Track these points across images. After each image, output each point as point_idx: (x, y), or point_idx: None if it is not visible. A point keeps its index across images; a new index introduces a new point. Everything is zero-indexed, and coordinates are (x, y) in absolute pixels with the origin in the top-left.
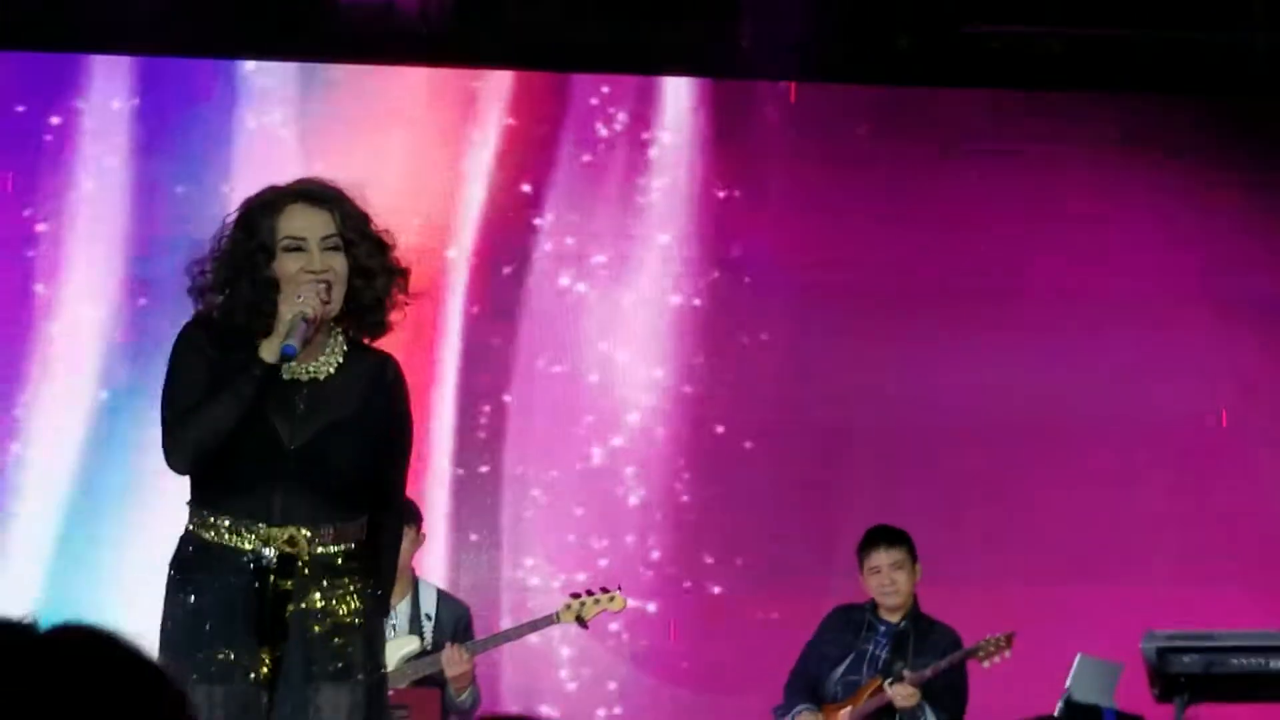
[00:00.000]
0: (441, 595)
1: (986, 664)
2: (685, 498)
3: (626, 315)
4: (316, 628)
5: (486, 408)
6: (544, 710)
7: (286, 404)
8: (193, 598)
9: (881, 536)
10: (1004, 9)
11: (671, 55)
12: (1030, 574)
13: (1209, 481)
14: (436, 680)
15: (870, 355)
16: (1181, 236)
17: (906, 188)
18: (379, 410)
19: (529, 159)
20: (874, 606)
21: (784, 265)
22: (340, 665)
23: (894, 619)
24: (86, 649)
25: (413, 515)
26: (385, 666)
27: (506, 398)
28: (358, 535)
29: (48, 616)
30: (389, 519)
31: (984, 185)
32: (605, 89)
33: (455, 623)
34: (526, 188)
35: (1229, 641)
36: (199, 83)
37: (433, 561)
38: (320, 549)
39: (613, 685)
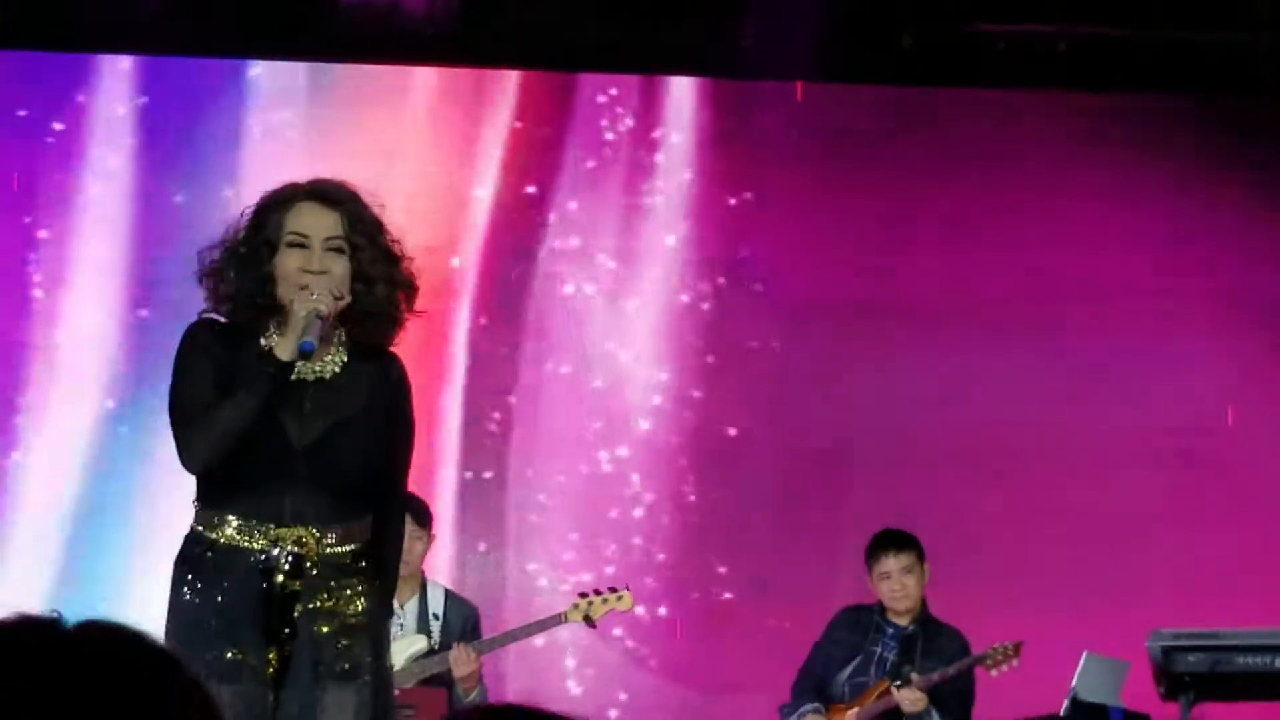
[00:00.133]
0: (449, 595)
1: (994, 672)
2: (692, 499)
3: (633, 319)
4: (324, 628)
5: (493, 411)
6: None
7: (294, 404)
8: (200, 597)
9: (890, 541)
10: (1009, 8)
11: (677, 55)
12: (1036, 572)
13: (1215, 479)
14: (443, 680)
15: (877, 358)
16: (1185, 235)
17: (912, 188)
18: (384, 409)
19: (534, 161)
20: (882, 608)
21: (791, 267)
22: (347, 665)
23: (903, 622)
24: (112, 646)
25: (424, 517)
26: (391, 666)
27: (512, 399)
28: (364, 535)
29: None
30: (392, 516)
31: (988, 185)
32: (612, 91)
33: (463, 623)
34: (531, 189)
35: (1234, 640)
36: (203, 83)
37: (439, 564)
38: (328, 549)
39: (619, 686)
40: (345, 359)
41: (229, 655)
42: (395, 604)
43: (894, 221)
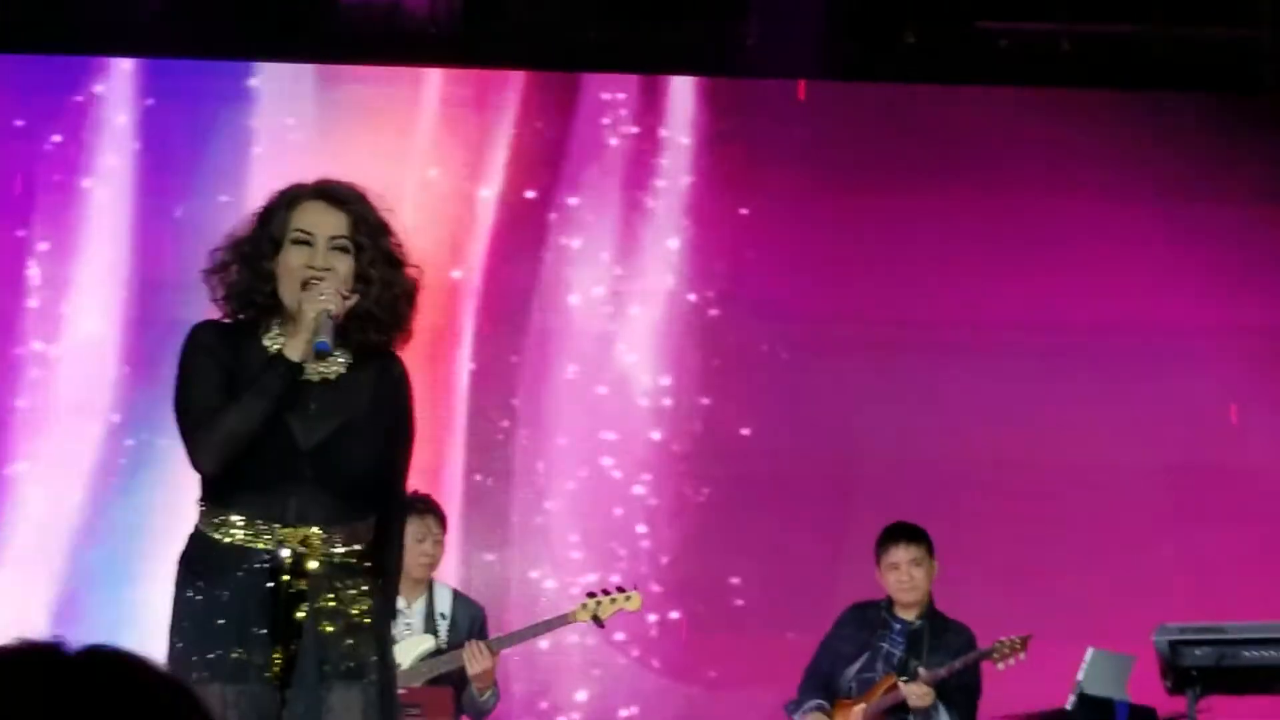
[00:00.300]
0: (456, 595)
1: (1001, 666)
2: (697, 501)
3: (636, 322)
4: (329, 627)
5: (499, 414)
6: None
7: (299, 404)
8: (205, 597)
9: (901, 533)
10: (1011, 7)
11: (679, 54)
12: (1041, 568)
13: (1220, 476)
14: (451, 679)
15: (882, 361)
16: (1188, 233)
17: (914, 187)
18: (387, 409)
19: (536, 164)
20: (889, 604)
21: (794, 268)
22: (352, 665)
23: (909, 616)
24: (114, 671)
25: (439, 519)
26: (395, 665)
27: (517, 402)
28: (368, 535)
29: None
30: (393, 517)
31: (991, 184)
32: (615, 93)
33: (470, 623)
34: (533, 192)
35: (1240, 634)
36: (204, 86)
37: (446, 566)
38: (333, 549)
39: (626, 686)
40: (349, 360)
41: (234, 655)
42: (402, 603)
43: (897, 220)
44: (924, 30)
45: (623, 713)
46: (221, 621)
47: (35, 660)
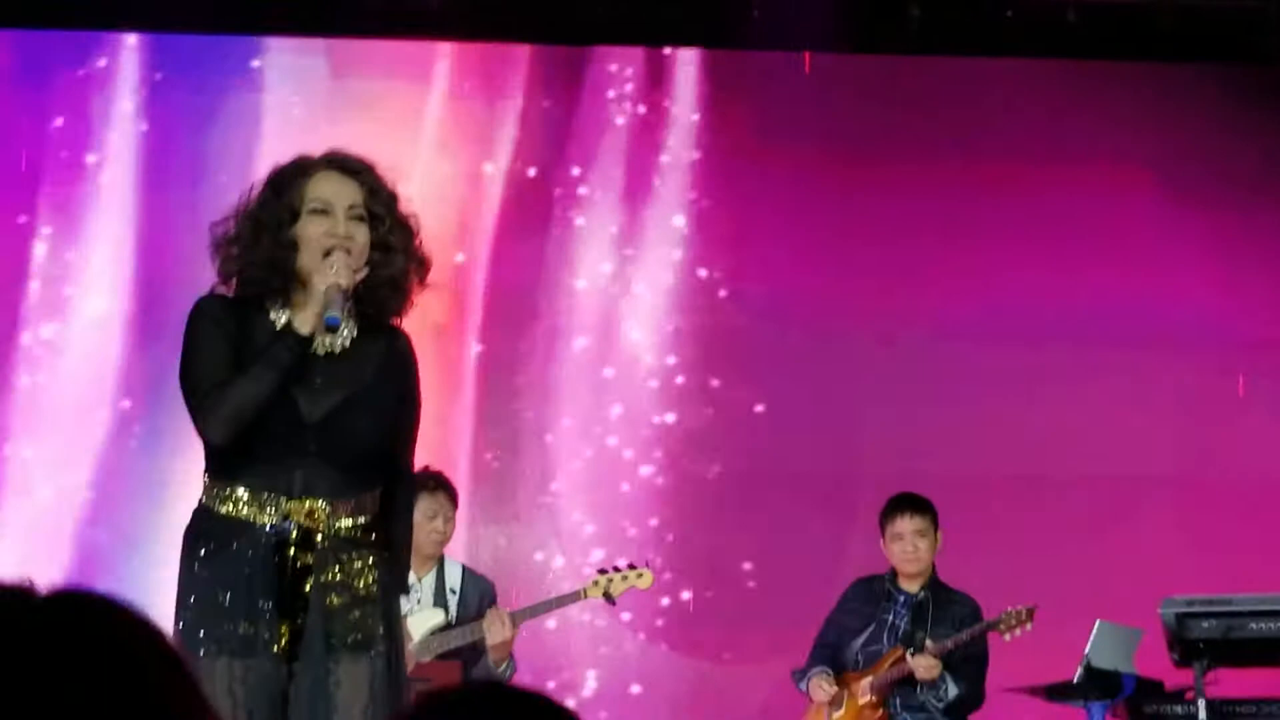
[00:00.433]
0: (467, 571)
1: (1008, 637)
2: (708, 479)
3: (644, 300)
4: (336, 600)
5: (507, 394)
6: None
7: (304, 378)
8: (211, 571)
9: (907, 503)
10: None
11: (684, 27)
12: (1048, 540)
13: (1227, 447)
14: (460, 654)
15: (889, 330)
16: (1196, 203)
17: (920, 157)
18: (392, 383)
19: (541, 138)
20: (893, 576)
21: (803, 241)
22: (359, 637)
23: (913, 588)
24: (84, 612)
25: (450, 496)
26: (403, 638)
27: (523, 381)
28: (374, 508)
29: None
30: (401, 492)
31: (997, 154)
32: (621, 67)
33: (480, 598)
34: (538, 168)
35: (1247, 606)
36: (210, 65)
37: (454, 544)
38: (339, 522)
39: (634, 664)
40: (355, 333)
41: (241, 629)
42: (412, 578)
43: (904, 192)
44: (929, 1)
45: (634, 689)
46: (228, 596)
47: (2, 602)
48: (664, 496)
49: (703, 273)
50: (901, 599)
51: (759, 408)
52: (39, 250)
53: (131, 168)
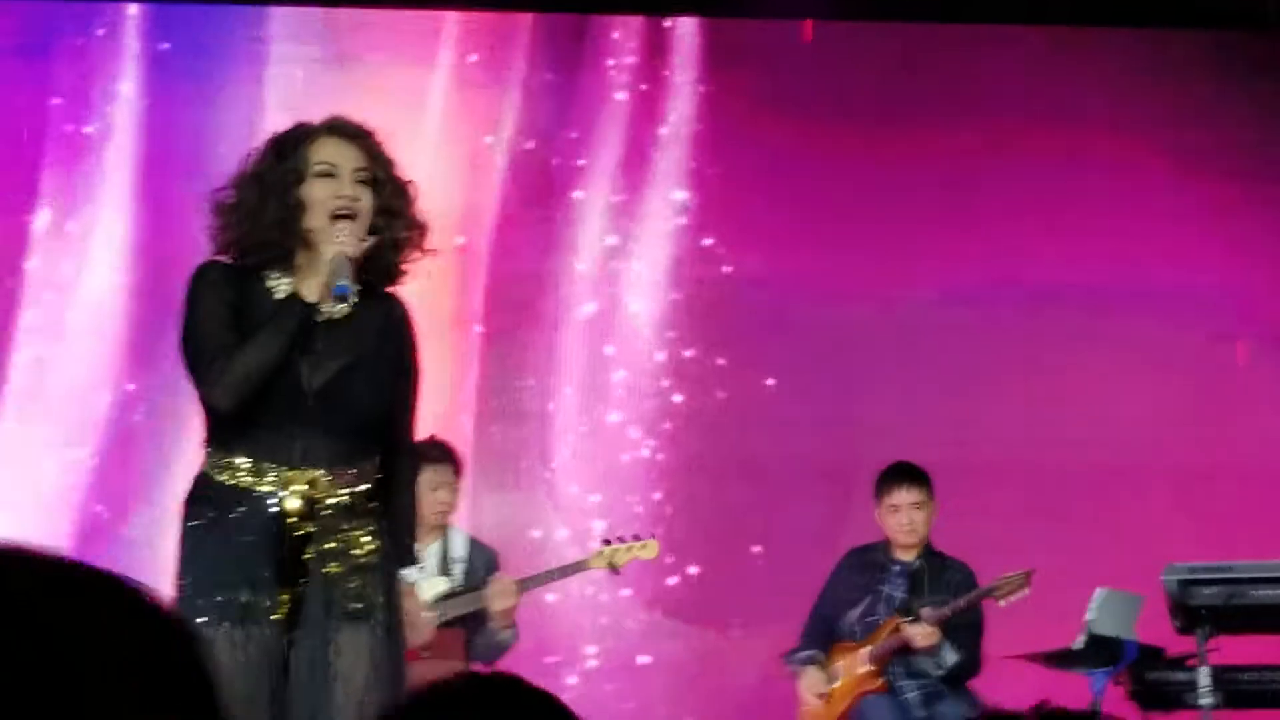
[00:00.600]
0: (471, 541)
1: (1004, 603)
2: (712, 453)
3: (647, 275)
4: (335, 568)
5: (512, 365)
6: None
7: (304, 345)
8: (211, 539)
9: (904, 475)
10: None
11: None
12: (1049, 508)
13: (1228, 414)
14: (463, 621)
15: (890, 297)
16: (1195, 170)
17: (923, 124)
18: (392, 351)
19: (542, 109)
20: (887, 545)
21: (804, 214)
22: (359, 606)
23: (908, 557)
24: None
25: (454, 466)
26: (403, 608)
27: (530, 353)
28: (374, 476)
29: None
30: (404, 461)
31: (1000, 122)
32: (621, 37)
33: (485, 566)
34: (532, 144)
35: (1249, 573)
36: (213, 34)
37: (456, 516)
38: (339, 490)
39: (638, 635)
40: (354, 300)
41: (242, 598)
42: (417, 547)
43: (906, 160)
44: None
45: (640, 659)
46: (228, 564)
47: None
48: (666, 470)
49: (705, 243)
50: (897, 568)
51: (770, 381)
52: (40, 222)
53: (133, 139)
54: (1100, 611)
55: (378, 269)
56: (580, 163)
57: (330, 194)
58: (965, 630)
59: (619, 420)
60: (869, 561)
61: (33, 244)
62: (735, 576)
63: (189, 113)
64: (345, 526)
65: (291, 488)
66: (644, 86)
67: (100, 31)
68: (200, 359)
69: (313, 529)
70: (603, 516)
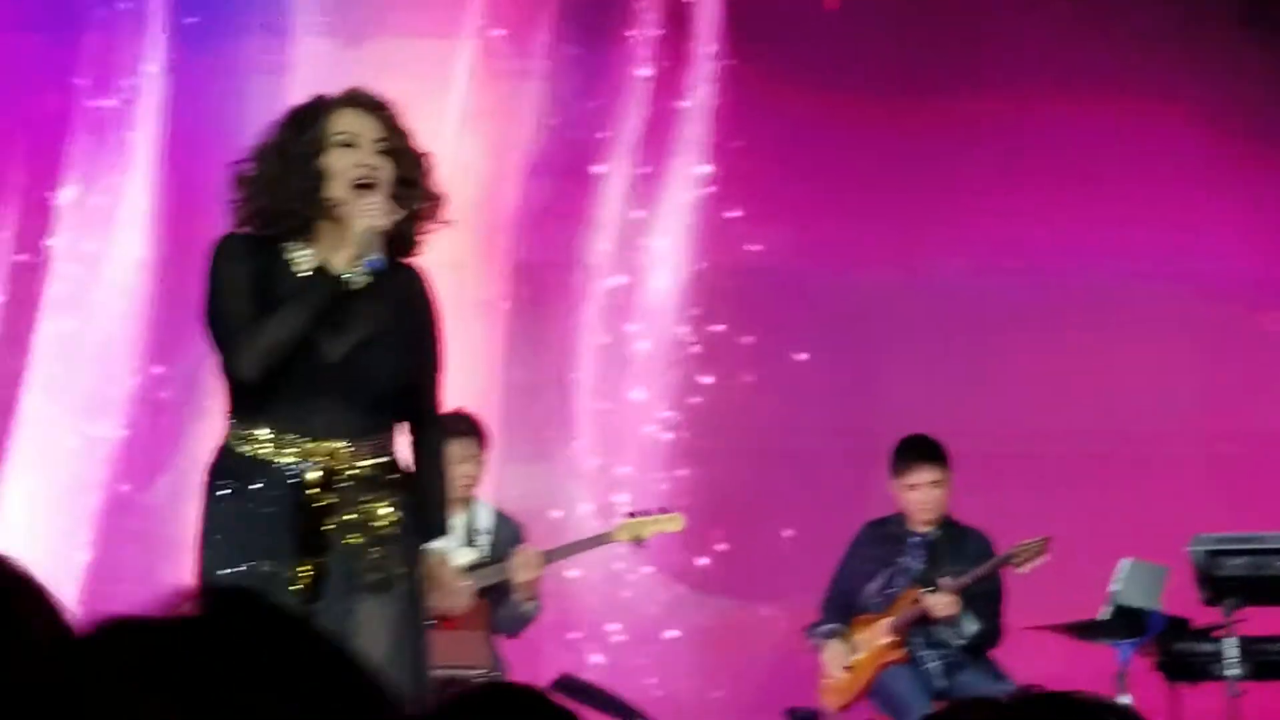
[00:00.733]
0: (497, 513)
1: (1023, 570)
2: (740, 426)
3: (671, 248)
4: (356, 539)
5: (535, 339)
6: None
7: (326, 317)
8: (232, 511)
9: (921, 453)
10: None
11: None
12: (1075, 478)
13: (1258, 385)
14: (487, 593)
15: (916, 274)
16: (1227, 135)
17: (944, 90)
18: (413, 322)
19: (563, 82)
20: (903, 517)
21: (830, 187)
22: (380, 577)
23: (925, 529)
24: None
25: (479, 439)
26: (424, 578)
27: (552, 331)
28: (394, 448)
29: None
30: (430, 431)
31: (1025, 88)
32: (643, 8)
33: (511, 539)
34: (554, 119)
35: (1277, 544)
36: (240, 7)
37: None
38: (360, 462)
39: (663, 608)
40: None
41: (263, 568)
42: None
43: (929, 131)
44: None
45: (670, 633)
46: (249, 535)
47: None
48: (690, 446)
49: (730, 215)
50: (914, 540)
51: (802, 356)
52: (65, 197)
53: (158, 114)
54: (1126, 582)
55: (396, 240)
56: (603, 136)
57: (351, 163)
58: (985, 599)
59: (643, 396)
60: (886, 534)
61: (58, 218)
62: (761, 552)
63: (214, 87)
64: (365, 498)
65: (312, 459)
66: (666, 60)
67: (126, 5)
68: (226, 331)
69: (333, 500)
70: (627, 491)
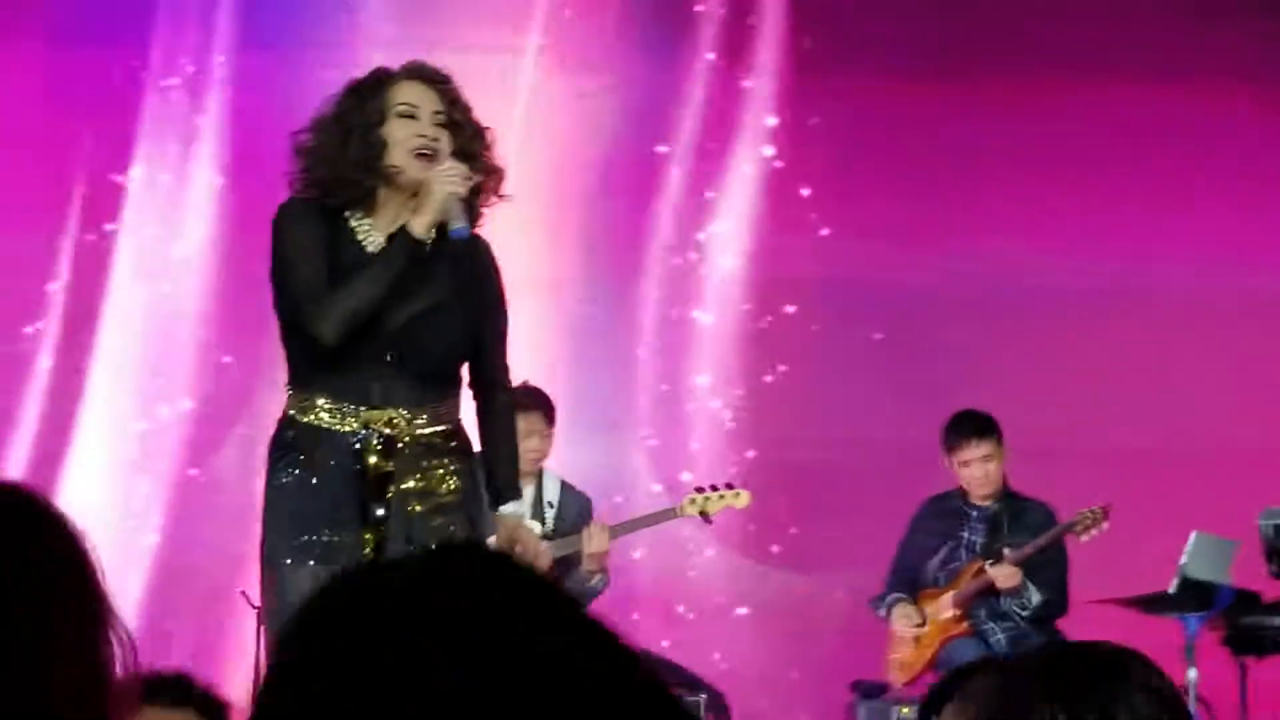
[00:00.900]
0: (565, 486)
1: (1084, 538)
2: (802, 398)
3: (729, 233)
4: (418, 507)
5: (601, 319)
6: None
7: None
8: (294, 480)
9: (971, 428)
10: None
11: None
12: (1144, 452)
13: None
14: (555, 565)
15: (960, 223)
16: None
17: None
18: (474, 290)
19: (631, 64)
20: (963, 492)
21: (896, 169)
22: (442, 543)
23: (986, 503)
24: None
25: (545, 414)
26: (519, 540)
27: (616, 303)
28: (455, 415)
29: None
30: (498, 397)
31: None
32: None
33: (579, 512)
34: (620, 96)
35: None
36: None
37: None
38: (419, 430)
39: (730, 580)
40: (434, 240)
41: (325, 537)
42: None
43: (995, 111)
44: None
45: (740, 610)
46: (312, 504)
47: None
48: (757, 428)
49: (803, 193)
50: (975, 514)
51: (877, 335)
52: (133, 177)
53: (223, 97)
54: (1195, 556)
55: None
56: (669, 116)
57: (411, 133)
58: (1048, 569)
59: (709, 378)
60: (948, 509)
61: (127, 199)
62: (827, 532)
63: (281, 71)
64: (426, 465)
65: (372, 427)
66: (731, 37)
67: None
68: (302, 294)
69: (393, 468)
70: (694, 471)
